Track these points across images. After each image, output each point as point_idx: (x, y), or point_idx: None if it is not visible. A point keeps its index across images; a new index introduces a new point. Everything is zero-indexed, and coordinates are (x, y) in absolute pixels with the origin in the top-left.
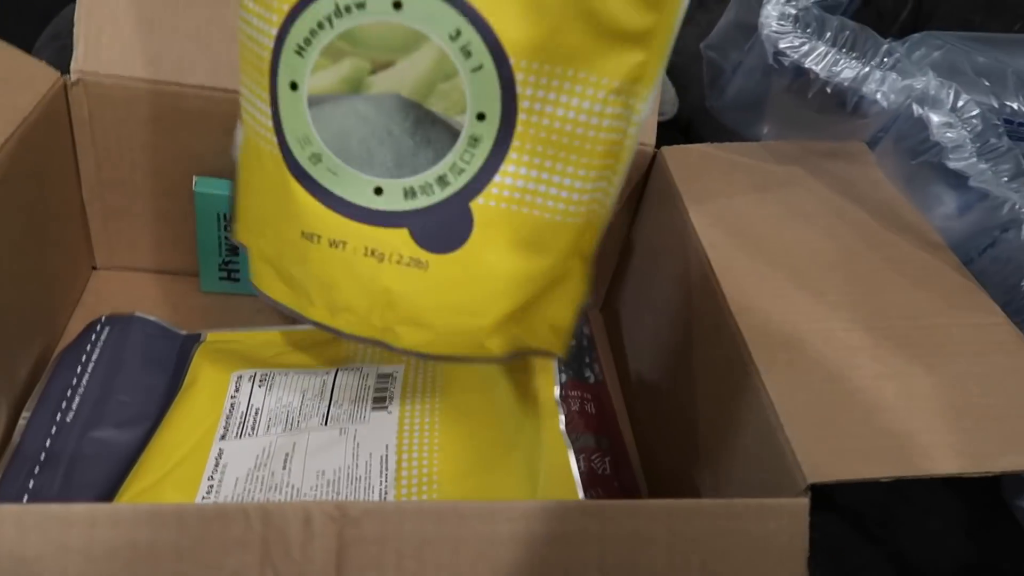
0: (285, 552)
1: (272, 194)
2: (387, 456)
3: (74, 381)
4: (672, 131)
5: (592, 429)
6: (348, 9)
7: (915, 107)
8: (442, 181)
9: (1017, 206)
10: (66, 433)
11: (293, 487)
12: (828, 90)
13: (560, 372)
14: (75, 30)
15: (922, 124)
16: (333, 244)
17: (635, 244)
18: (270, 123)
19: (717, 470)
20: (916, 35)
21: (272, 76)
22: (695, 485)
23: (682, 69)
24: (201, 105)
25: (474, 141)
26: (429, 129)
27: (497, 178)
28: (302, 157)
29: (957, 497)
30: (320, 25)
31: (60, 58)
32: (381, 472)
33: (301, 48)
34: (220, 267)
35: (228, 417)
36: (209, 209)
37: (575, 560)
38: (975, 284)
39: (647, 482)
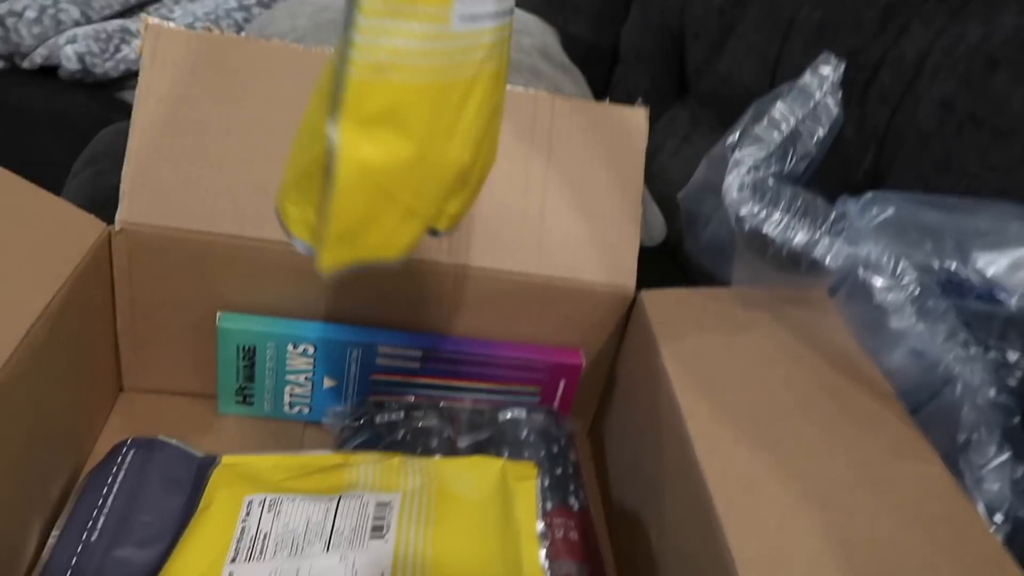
0: None
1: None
2: None
3: (100, 502)
4: (660, 255)
5: (574, 556)
6: None
7: (860, 271)
8: None
9: (951, 367)
10: (91, 551)
11: None
12: (784, 252)
13: (546, 500)
14: (122, 185)
15: (867, 286)
16: None
17: (618, 377)
18: None
19: None
20: (869, 194)
21: None
22: None
23: (670, 197)
24: (227, 251)
25: None
26: None
27: None
28: None
29: None
30: None
31: (96, 183)
32: None
33: None
34: (237, 392)
35: (239, 541)
36: (230, 341)
37: None
38: (917, 433)
39: None
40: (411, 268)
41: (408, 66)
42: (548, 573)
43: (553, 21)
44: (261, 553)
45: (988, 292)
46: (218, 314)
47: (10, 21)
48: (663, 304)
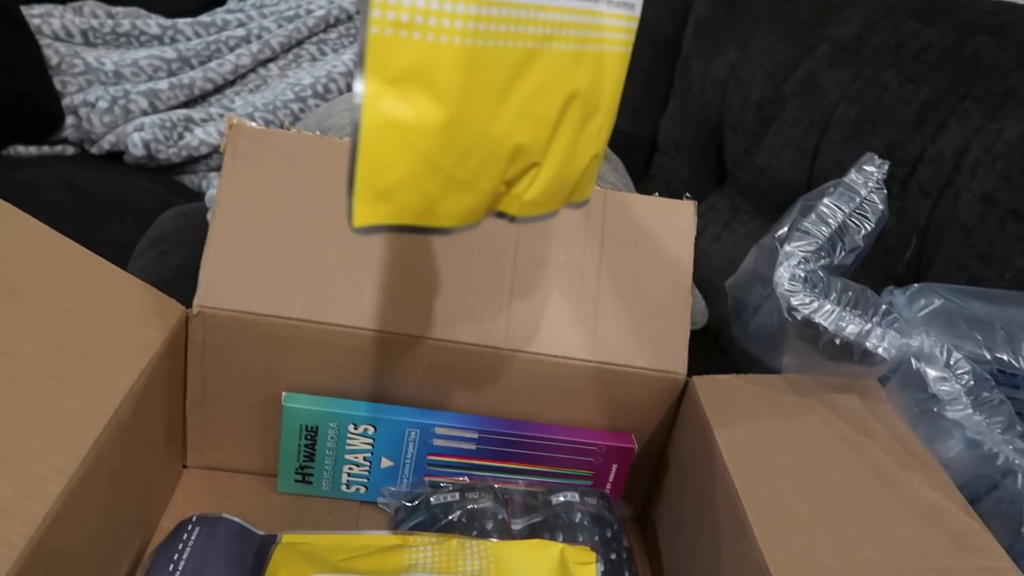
0: None
1: None
2: None
3: None
4: (703, 338)
5: None
6: None
7: (913, 361)
8: None
9: (1011, 458)
10: None
11: None
12: (837, 341)
13: None
14: (201, 271)
15: (921, 376)
16: None
17: (669, 462)
18: None
19: None
20: (916, 285)
21: None
22: None
23: (711, 282)
24: (294, 333)
25: None
26: None
27: None
28: None
29: None
30: None
31: (159, 263)
32: None
33: None
34: (296, 471)
35: None
36: (294, 421)
37: None
38: (981, 525)
39: None
40: (469, 352)
41: (435, 27)
42: None
43: None
44: None
45: None
46: (283, 394)
47: (83, 111)
48: (715, 390)
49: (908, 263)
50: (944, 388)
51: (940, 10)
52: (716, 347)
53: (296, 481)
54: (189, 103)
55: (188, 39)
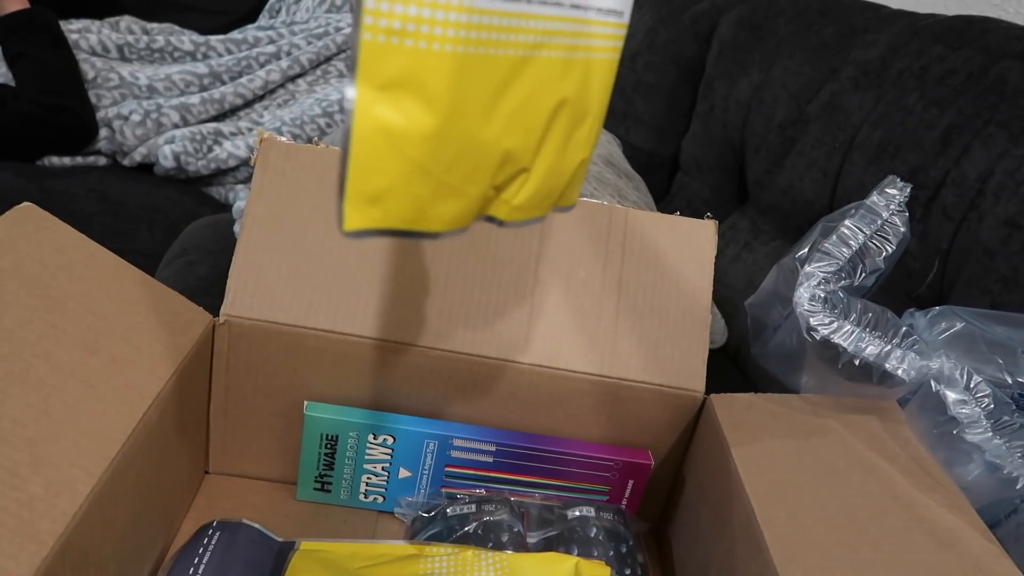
0: None
1: None
2: None
3: None
4: (722, 357)
5: None
6: None
7: (932, 383)
8: None
9: None
10: None
11: None
12: (856, 362)
13: None
14: (229, 280)
15: (940, 398)
16: None
17: (686, 479)
18: None
19: None
20: (937, 308)
21: None
22: None
23: (731, 302)
24: (318, 343)
25: None
26: None
27: None
28: None
29: None
30: None
31: (186, 273)
32: None
33: None
34: (316, 479)
35: None
36: (315, 429)
37: None
38: (1000, 549)
39: None
40: (489, 366)
41: (426, 34)
42: None
43: (616, 132)
44: None
45: None
46: (306, 403)
47: (117, 124)
48: (733, 408)
49: (930, 286)
50: (964, 411)
51: (966, 35)
52: (735, 366)
53: (315, 489)
54: (219, 117)
55: (220, 55)
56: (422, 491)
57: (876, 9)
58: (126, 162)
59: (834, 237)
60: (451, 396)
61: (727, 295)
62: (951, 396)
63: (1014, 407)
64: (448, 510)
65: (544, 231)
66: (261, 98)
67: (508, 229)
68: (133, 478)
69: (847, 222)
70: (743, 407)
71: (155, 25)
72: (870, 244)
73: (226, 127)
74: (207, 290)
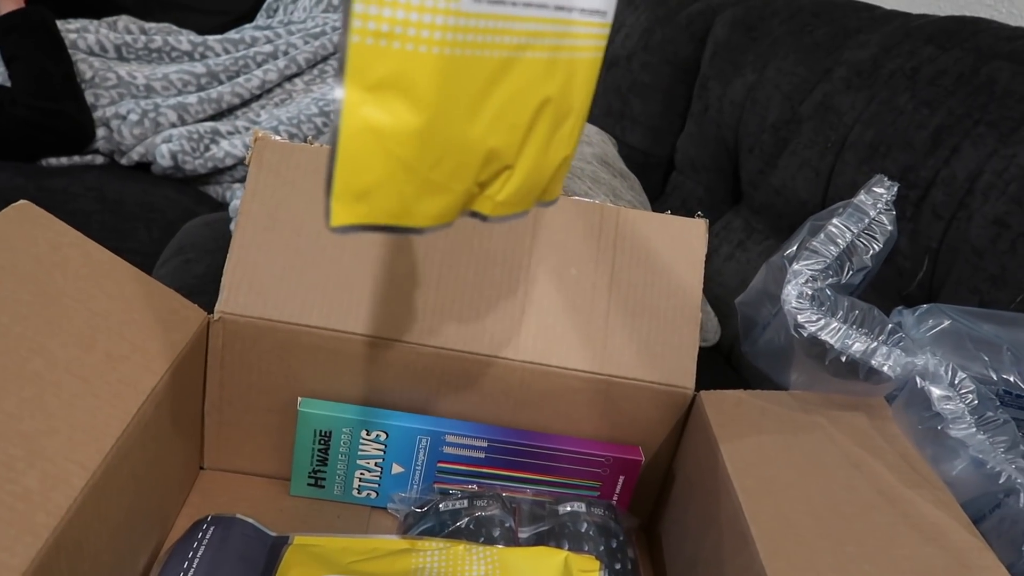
0: None
1: None
2: None
3: (181, 574)
4: (715, 355)
5: None
6: None
7: (918, 380)
8: None
9: (1014, 477)
10: None
11: None
12: (843, 359)
13: None
14: (223, 278)
15: (925, 394)
16: None
17: (676, 475)
18: None
19: None
20: (924, 306)
21: None
22: None
23: (724, 300)
24: (312, 341)
25: None
26: None
27: None
28: None
29: None
30: None
31: (183, 271)
32: None
33: None
34: (309, 475)
35: None
36: (309, 425)
37: None
38: (983, 543)
39: None
40: (481, 363)
41: (412, 36)
42: None
43: (612, 131)
44: None
45: None
46: (299, 399)
47: (115, 123)
48: (722, 405)
49: (920, 285)
50: (948, 407)
51: (957, 36)
52: (728, 364)
53: (309, 485)
54: (217, 116)
55: (217, 55)
56: (415, 487)
57: (870, 10)
58: (124, 161)
59: (822, 235)
60: (444, 392)
61: (721, 294)
62: (936, 392)
63: (998, 403)
64: (440, 506)
65: (536, 229)
66: (258, 97)
67: (501, 226)
68: (128, 473)
69: (835, 220)
70: (732, 404)
71: (153, 25)
72: (857, 242)
73: (223, 126)
74: (203, 288)
